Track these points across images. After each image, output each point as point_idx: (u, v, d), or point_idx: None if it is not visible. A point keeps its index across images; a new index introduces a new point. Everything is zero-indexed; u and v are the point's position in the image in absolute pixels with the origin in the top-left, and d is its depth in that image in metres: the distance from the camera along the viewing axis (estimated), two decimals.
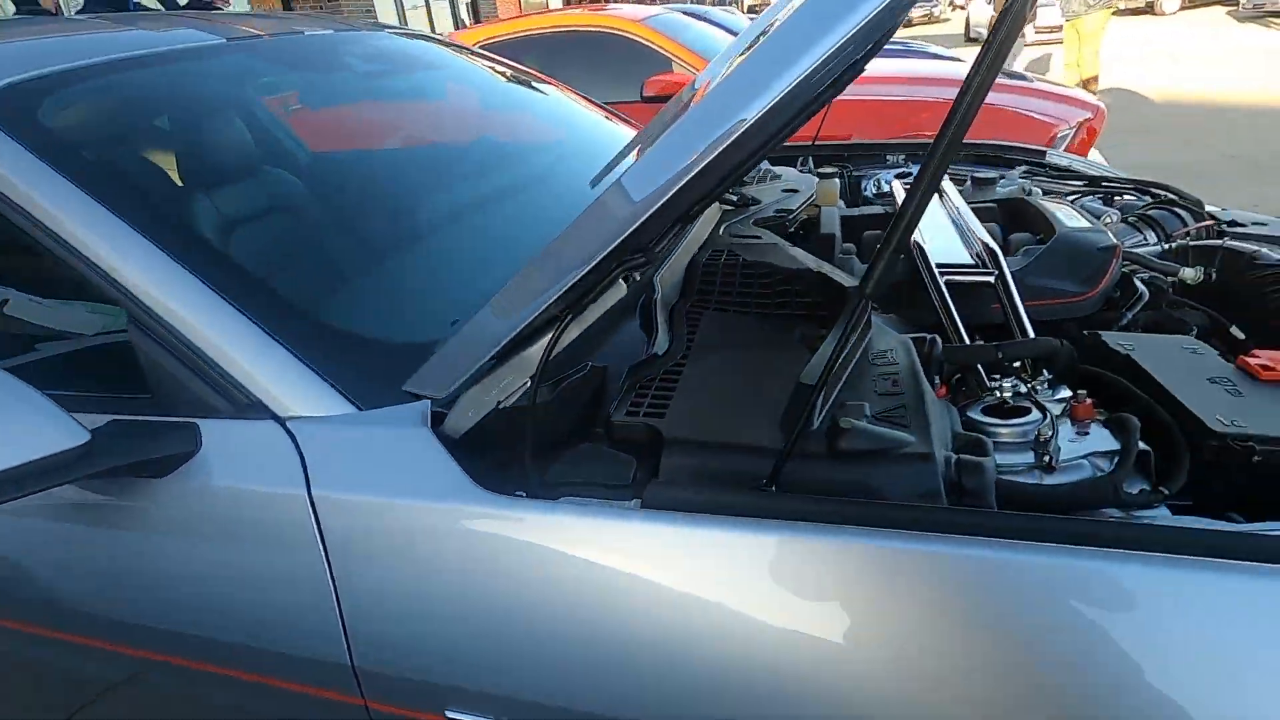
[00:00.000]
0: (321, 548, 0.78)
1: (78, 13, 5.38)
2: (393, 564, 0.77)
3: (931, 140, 0.70)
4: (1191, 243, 1.31)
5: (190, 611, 0.86)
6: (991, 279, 1.14)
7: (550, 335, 0.78)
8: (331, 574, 0.78)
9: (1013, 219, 1.46)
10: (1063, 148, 3.35)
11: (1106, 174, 1.91)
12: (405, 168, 1.28)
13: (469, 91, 1.70)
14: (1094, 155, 3.59)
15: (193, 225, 0.96)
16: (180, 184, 1.03)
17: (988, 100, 3.02)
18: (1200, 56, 9.38)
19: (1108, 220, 1.41)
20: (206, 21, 1.46)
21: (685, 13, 4.95)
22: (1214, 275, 1.21)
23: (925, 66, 4.04)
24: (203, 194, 1.03)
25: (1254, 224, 1.65)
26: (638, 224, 0.63)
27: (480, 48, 4.13)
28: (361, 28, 1.73)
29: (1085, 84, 7.16)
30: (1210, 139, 5.65)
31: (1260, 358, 0.88)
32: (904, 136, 3.36)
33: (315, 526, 0.78)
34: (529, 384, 0.79)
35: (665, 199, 0.64)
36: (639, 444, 0.82)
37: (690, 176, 0.63)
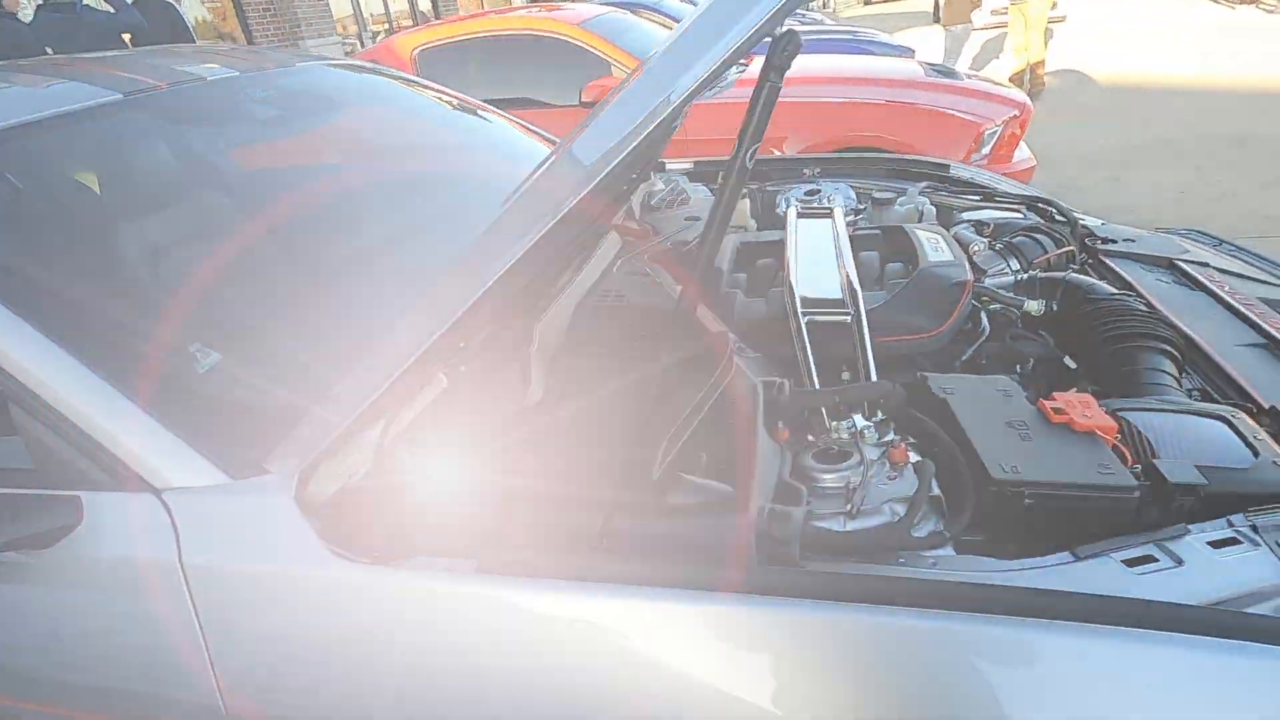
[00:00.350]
0: (193, 610, 0.85)
1: (30, 24, 5.18)
2: (256, 623, 0.84)
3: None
4: (1040, 275, 1.40)
5: (75, 665, 0.93)
6: (848, 319, 1.22)
7: (383, 423, 0.85)
8: (203, 633, 0.85)
9: (892, 248, 1.54)
10: (991, 144, 3.46)
11: (1001, 189, 2.00)
12: (282, 230, 1.32)
13: (366, 137, 1.73)
14: (1023, 150, 3.70)
15: (66, 302, 1.00)
16: (53, 261, 1.07)
17: (916, 101, 3.11)
18: (1153, 34, 9.53)
19: (976, 249, 1.50)
20: (102, 70, 1.48)
21: (633, 7, 4.93)
22: (1055, 307, 1.31)
23: (864, 64, 4.10)
24: (76, 271, 1.07)
25: (1125, 240, 1.76)
26: (438, 335, 0.70)
27: (422, 51, 4.12)
28: (269, 64, 1.74)
29: (1033, 68, 7.28)
30: (1146, 122, 5.79)
31: (1057, 400, 0.98)
32: (840, 139, 3.44)
33: (187, 591, 0.85)
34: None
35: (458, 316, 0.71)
36: (499, 501, 0.90)
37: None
